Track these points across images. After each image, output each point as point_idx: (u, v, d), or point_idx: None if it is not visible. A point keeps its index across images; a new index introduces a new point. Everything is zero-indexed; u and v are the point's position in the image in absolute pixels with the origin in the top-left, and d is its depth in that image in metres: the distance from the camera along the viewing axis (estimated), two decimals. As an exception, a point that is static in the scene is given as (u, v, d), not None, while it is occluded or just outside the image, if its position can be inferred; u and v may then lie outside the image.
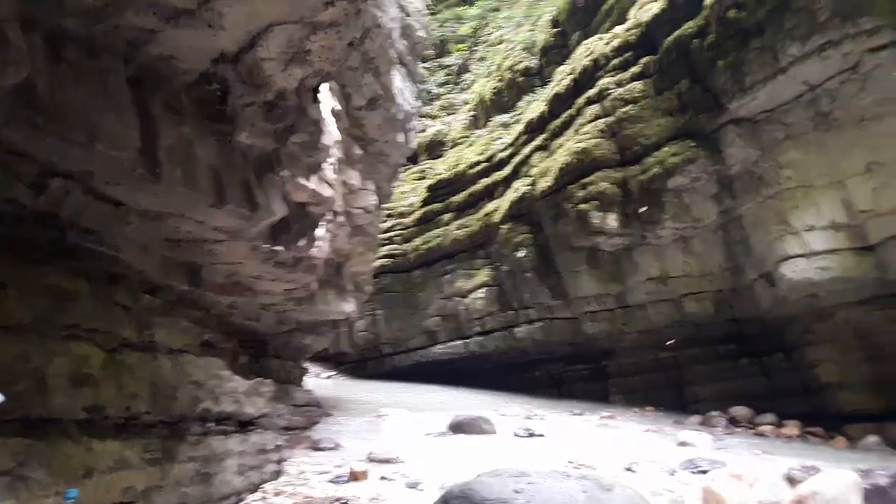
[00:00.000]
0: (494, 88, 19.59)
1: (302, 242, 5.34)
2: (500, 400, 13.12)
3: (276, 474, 5.00)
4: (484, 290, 15.61)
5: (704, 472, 6.20)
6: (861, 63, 8.66)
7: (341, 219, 7.89)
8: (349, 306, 9.50)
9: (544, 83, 16.74)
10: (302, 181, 4.94)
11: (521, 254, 14.10)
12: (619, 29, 13.26)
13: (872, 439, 8.95)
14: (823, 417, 10.08)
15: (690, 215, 11.28)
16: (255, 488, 4.65)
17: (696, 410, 11.61)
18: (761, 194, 10.20)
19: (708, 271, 11.57)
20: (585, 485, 3.78)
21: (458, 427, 9.32)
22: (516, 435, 9.09)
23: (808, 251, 9.61)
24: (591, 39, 14.32)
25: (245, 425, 4.63)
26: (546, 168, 13.54)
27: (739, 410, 10.84)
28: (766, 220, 10.20)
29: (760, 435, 9.92)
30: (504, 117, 18.13)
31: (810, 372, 10.45)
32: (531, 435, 9.08)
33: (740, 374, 11.76)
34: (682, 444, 8.43)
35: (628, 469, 6.53)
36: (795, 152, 9.67)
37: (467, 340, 16.21)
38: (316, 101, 4.20)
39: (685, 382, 12.57)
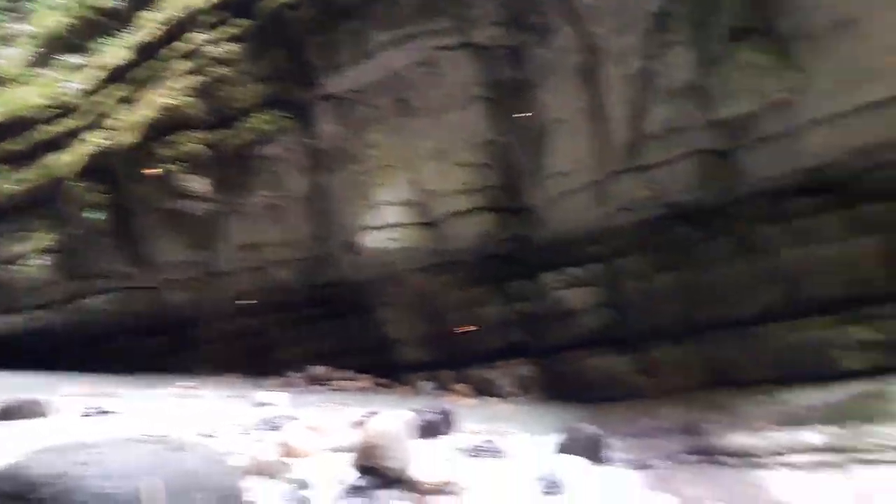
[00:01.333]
0: (66, 24, 16.83)
1: None
2: (65, 379, 11.46)
3: None
4: (45, 255, 13.46)
5: (279, 427, 6.41)
6: (436, 59, 9.71)
7: None
8: None
9: (125, 26, 14.95)
10: None
11: (94, 215, 12.57)
12: (216, -16, 12.57)
13: (428, 385, 10.72)
14: (393, 369, 11.56)
15: (282, 185, 11.44)
16: None
17: (279, 373, 11.99)
18: (348, 170, 10.85)
19: (296, 240, 11.92)
20: (155, 448, 3.51)
21: (6, 413, 7.81)
22: (86, 415, 8.05)
23: (383, 224, 10.65)
24: (186, -10, 13.32)
25: None
26: (129, 122, 12.23)
27: (318, 369, 11.73)
28: (351, 194, 10.93)
29: (338, 390, 10.84)
30: (75, 58, 15.69)
31: (381, 330, 11.75)
32: (102, 413, 8.15)
33: (323, 334, 12.55)
34: (261, 404, 8.60)
35: (208, 435, 6.34)
36: (379, 134, 10.46)
37: (22, 316, 13.88)
38: None
39: (271, 347, 12.87)
